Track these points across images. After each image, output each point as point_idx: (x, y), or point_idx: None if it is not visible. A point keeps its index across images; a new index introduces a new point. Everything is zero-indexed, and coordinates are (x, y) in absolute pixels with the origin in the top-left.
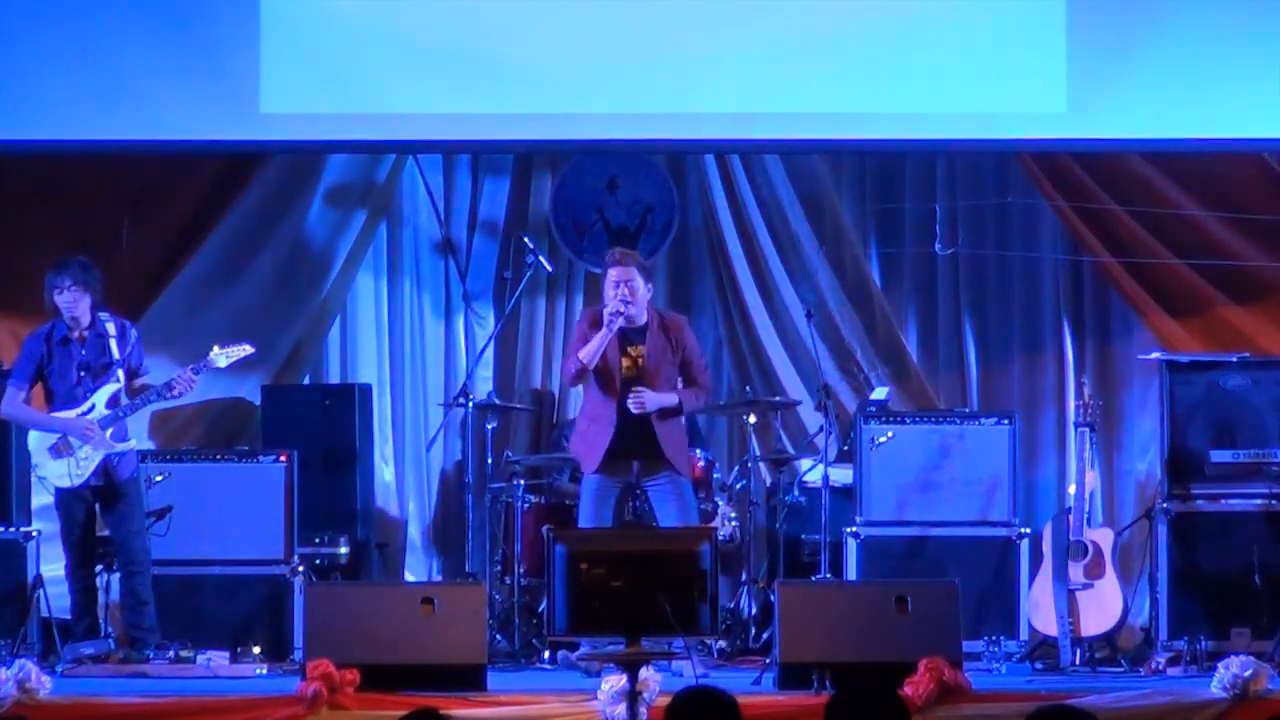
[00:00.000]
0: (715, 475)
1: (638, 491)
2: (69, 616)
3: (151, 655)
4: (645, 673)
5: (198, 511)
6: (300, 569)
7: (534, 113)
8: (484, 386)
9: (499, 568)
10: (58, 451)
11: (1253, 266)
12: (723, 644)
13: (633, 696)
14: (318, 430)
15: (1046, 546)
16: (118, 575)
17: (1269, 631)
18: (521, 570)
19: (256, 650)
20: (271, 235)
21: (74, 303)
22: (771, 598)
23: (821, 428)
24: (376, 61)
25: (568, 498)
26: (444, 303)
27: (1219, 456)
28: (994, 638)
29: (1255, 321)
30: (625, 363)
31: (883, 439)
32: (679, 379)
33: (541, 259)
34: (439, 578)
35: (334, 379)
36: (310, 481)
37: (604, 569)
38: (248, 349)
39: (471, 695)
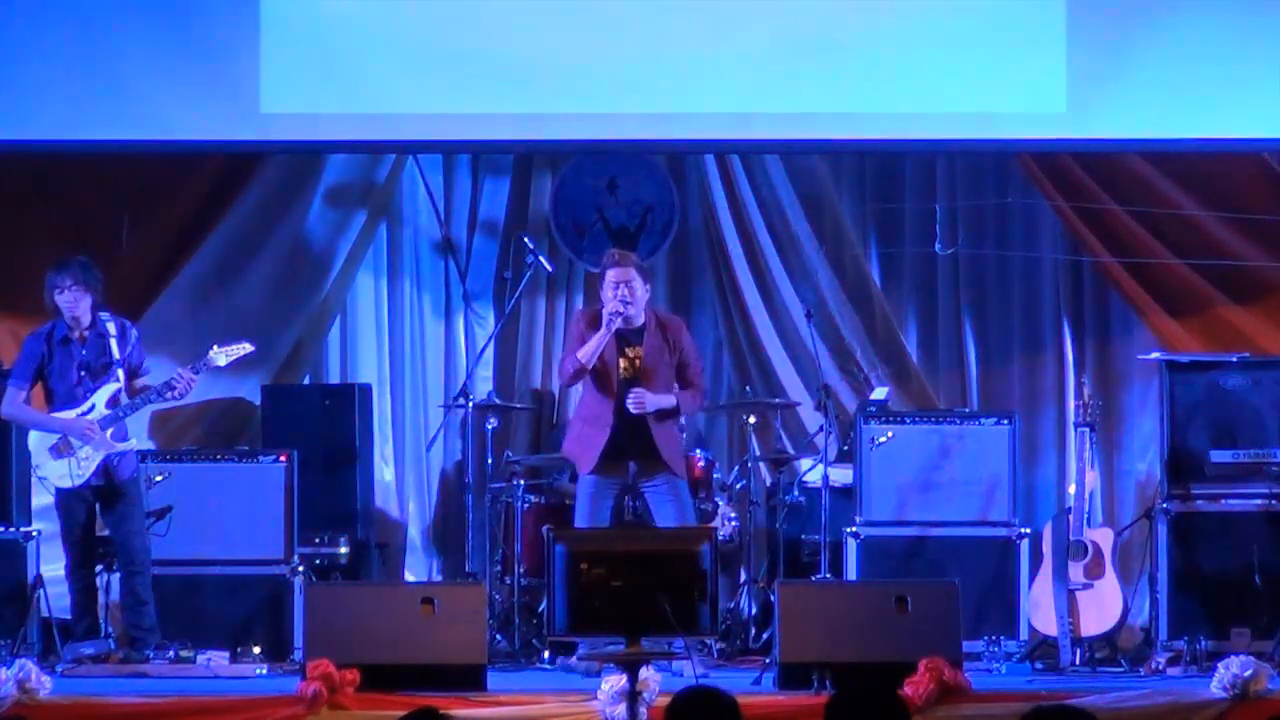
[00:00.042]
0: (715, 475)
1: (634, 493)
2: (69, 616)
3: (151, 655)
4: (645, 673)
5: (198, 511)
6: (300, 569)
7: (534, 113)
8: (484, 386)
9: (499, 568)
10: (58, 451)
11: (1253, 266)
12: (722, 644)
13: (633, 696)
14: (318, 430)
15: (1046, 546)
16: (118, 575)
17: (1269, 631)
18: (521, 570)
19: (256, 650)
20: (271, 235)
21: (74, 302)
22: (771, 598)
23: (821, 428)
24: (376, 61)
25: (568, 498)
26: (444, 303)
27: (1219, 456)
28: (994, 638)
29: (1255, 321)
30: (623, 363)
31: (883, 439)
32: (675, 381)
33: (541, 259)
34: (439, 578)
35: (334, 379)
36: (310, 481)
37: (604, 569)
38: (247, 347)
39: (471, 695)
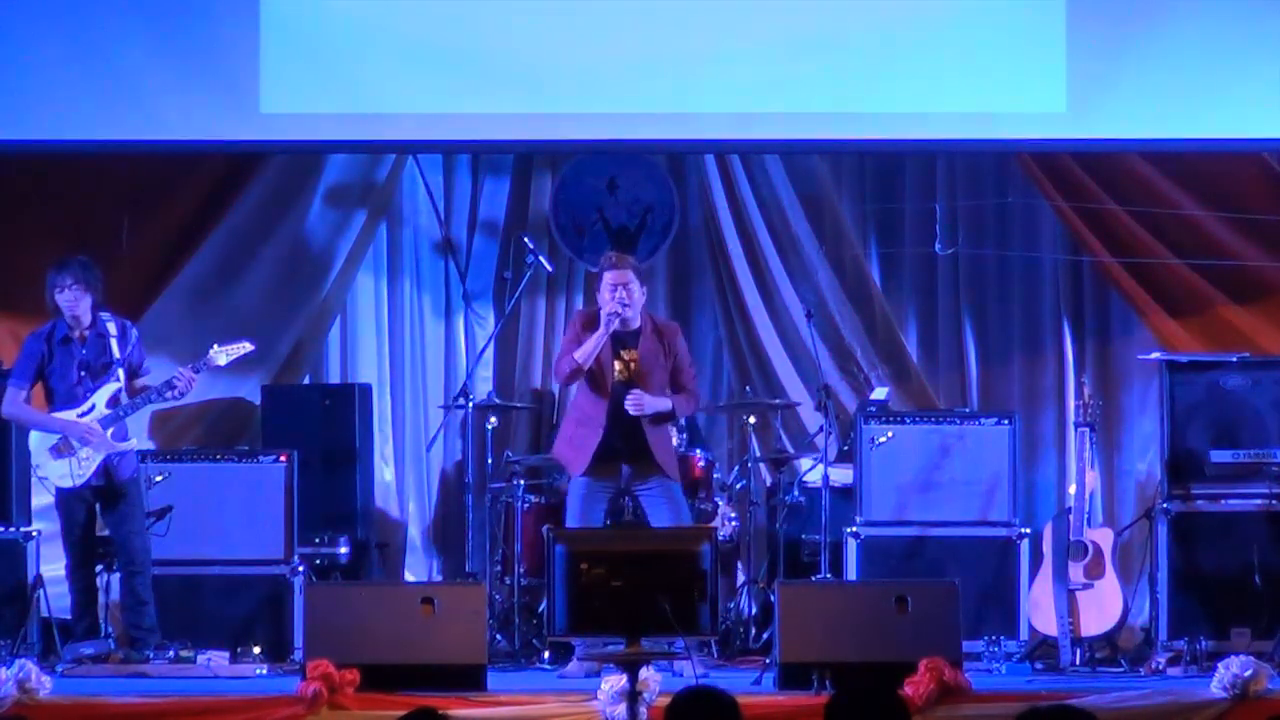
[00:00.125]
0: (715, 475)
1: (628, 496)
2: (69, 616)
3: (151, 655)
4: (645, 673)
5: (198, 511)
6: (300, 569)
7: (534, 113)
8: (484, 386)
9: (499, 568)
10: (59, 452)
11: (1253, 266)
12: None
13: (633, 696)
14: (318, 430)
15: (1046, 546)
16: (118, 575)
17: (1269, 631)
18: (521, 570)
19: (256, 650)
20: (271, 235)
21: (75, 302)
22: (771, 598)
23: (821, 428)
24: (376, 61)
25: (567, 498)
26: (444, 303)
27: (1219, 456)
28: (994, 638)
29: (1255, 321)
30: (618, 366)
31: (883, 439)
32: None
33: (541, 259)
34: (439, 578)
35: (334, 379)
36: (310, 481)
37: (604, 569)
38: (247, 346)
39: (471, 695)
